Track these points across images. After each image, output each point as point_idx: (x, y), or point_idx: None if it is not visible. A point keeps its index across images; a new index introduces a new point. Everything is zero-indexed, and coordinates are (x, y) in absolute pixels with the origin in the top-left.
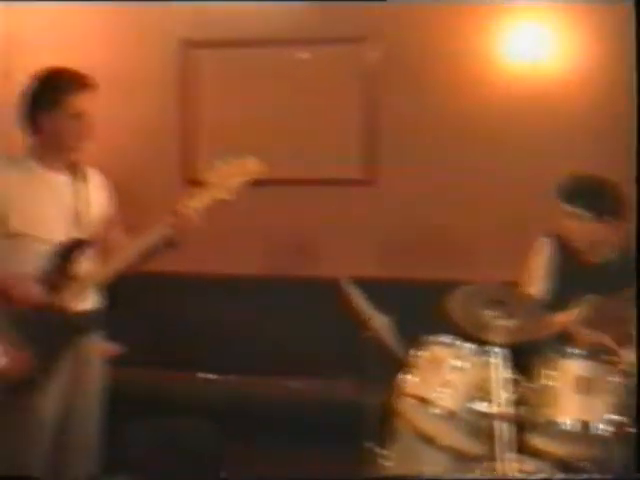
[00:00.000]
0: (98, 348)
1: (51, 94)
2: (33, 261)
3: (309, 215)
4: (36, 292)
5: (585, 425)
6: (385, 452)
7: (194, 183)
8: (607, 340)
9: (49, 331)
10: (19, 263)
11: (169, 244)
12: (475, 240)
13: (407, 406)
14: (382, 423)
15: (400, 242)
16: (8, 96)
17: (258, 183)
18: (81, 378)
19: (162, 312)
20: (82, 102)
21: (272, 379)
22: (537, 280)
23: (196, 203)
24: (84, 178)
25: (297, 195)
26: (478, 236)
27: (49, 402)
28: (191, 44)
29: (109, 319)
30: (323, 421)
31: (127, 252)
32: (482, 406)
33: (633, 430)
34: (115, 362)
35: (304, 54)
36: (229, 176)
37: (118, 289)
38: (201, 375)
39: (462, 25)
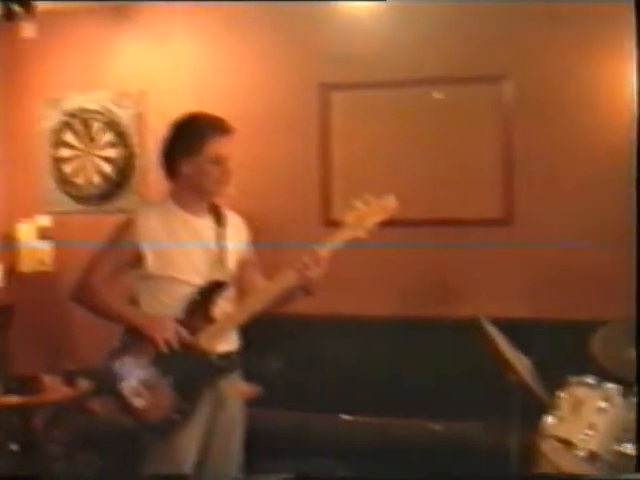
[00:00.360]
0: (236, 389)
1: (190, 139)
2: (173, 302)
3: (447, 255)
4: (176, 333)
5: None
6: None
7: (332, 224)
8: None
9: (188, 372)
10: (159, 304)
11: (304, 288)
12: (615, 276)
13: (551, 448)
14: (526, 466)
15: (539, 281)
16: (144, 140)
17: (396, 223)
18: (220, 419)
19: (301, 353)
20: (221, 147)
21: (414, 421)
22: None
23: (333, 244)
24: (224, 221)
25: (434, 235)
26: (618, 272)
27: (189, 443)
28: (329, 87)
29: (246, 360)
30: (465, 464)
31: (264, 294)
32: (627, 448)
33: None
34: (252, 403)
35: (440, 94)
36: (367, 215)
37: (254, 330)
38: (340, 416)
39: (598, 60)
